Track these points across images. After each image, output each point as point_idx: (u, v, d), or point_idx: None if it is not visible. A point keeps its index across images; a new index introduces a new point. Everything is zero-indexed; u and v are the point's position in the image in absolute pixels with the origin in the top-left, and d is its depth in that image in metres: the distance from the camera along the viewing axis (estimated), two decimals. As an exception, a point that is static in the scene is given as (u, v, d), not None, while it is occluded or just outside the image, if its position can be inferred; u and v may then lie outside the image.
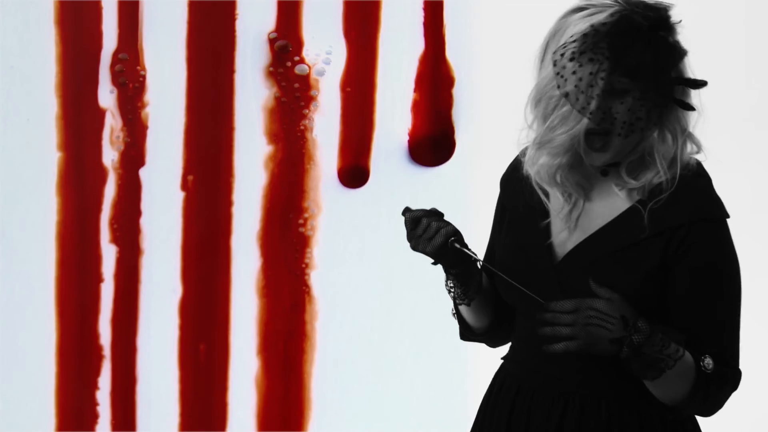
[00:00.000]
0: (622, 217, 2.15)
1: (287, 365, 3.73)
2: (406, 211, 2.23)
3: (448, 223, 2.19)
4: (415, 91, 3.63)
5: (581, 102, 2.02)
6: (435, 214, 2.20)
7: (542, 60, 2.11)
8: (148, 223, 3.69)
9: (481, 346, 2.51)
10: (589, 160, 2.11)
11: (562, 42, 2.06)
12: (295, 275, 3.70)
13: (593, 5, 2.06)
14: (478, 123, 3.62)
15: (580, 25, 2.05)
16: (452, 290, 2.32)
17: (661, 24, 2.05)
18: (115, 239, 3.69)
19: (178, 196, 3.69)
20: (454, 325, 2.41)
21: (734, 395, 2.15)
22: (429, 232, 2.19)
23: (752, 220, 2.17)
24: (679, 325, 2.12)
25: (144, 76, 3.63)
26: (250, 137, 3.65)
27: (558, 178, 2.17)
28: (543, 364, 2.21)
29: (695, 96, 2.12)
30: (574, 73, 2.02)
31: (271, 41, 3.61)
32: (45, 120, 3.64)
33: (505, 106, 3.47)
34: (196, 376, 3.73)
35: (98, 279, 3.71)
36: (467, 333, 2.42)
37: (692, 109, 2.09)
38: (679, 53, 2.06)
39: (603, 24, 2.02)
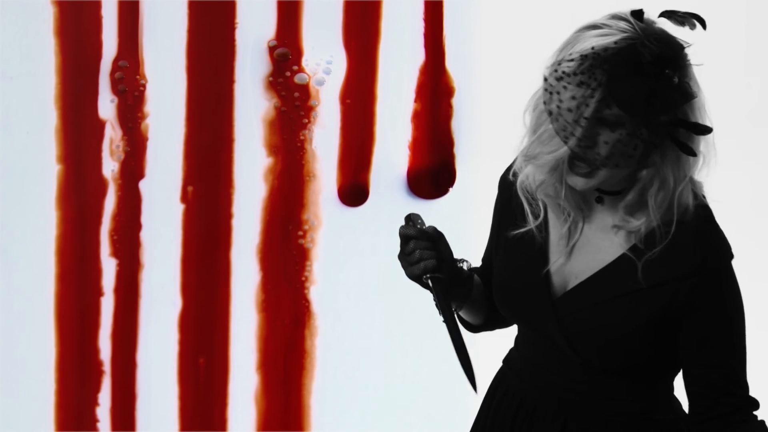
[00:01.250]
0: (616, 263, 2.11)
1: (287, 381, 3.71)
2: (407, 220, 2.18)
3: (433, 254, 2.13)
4: (415, 101, 3.62)
5: (563, 125, 1.94)
6: (426, 239, 2.13)
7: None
8: (148, 235, 3.68)
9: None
10: (572, 182, 2.05)
11: (560, 57, 1.98)
12: (295, 288, 3.69)
13: (608, 26, 1.98)
14: (478, 134, 3.63)
15: (585, 43, 1.97)
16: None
17: (668, 61, 1.95)
18: (115, 252, 3.68)
19: (178, 209, 3.67)
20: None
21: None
22: (411, 258, 2.14)
23: (752, 219, 2.16)
24: (696, 367, 2.11)
25: (144, 86, 3.63)
26: (250, 149, 3.65)
27: (548, 191, 2.11)
28: (545, 379, 2.20)
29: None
30: (559, 93, 1.94)
31: (271, 49, 3.61)
32: (44, 132, 3.63)
33: (505, 117, 3.47)
34: (196, 391, 3.71)
35: (98, 293, 3.69)
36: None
37: (693, 154, 2.00)
38: (684, 95, 1.98)
39: (605, 49, 1.94)
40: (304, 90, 3.63)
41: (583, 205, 2.14)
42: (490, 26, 3.59)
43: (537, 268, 2.17)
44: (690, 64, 2.00)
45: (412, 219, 2.18)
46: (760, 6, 3.36)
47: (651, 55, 1.94)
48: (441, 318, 2.20)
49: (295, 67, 3.62)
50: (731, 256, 2.09)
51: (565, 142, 1.95)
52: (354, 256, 3.69)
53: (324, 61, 3.62)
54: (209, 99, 3.63)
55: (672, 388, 2.23)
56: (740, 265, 2.18)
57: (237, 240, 3.68)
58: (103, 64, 3.62)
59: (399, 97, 3.61)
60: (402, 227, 2.15)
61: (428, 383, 3.70)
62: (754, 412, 2.12)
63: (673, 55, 1.97)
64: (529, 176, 2.12)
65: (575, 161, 2.01)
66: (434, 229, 2.16)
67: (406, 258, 2.15)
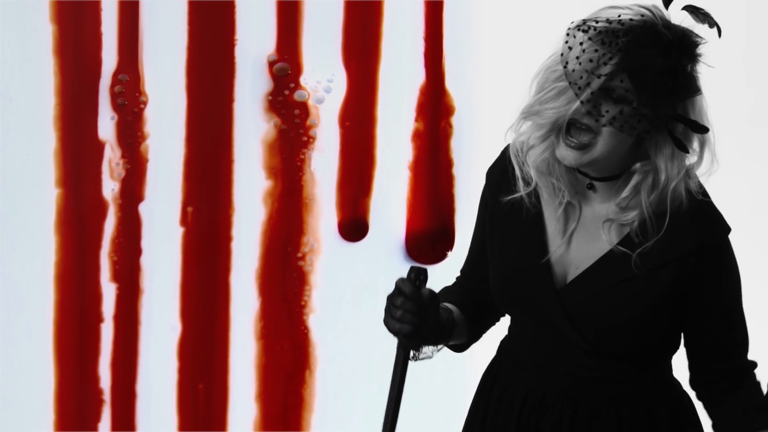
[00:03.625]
0: (612, 252, 2.13)
1: (286, 412, 3.69)
2: (410, 274, 2.12)
3: (414, 320, 2.10)
4: (416, 120, 3.63)
5: (579, 75, 1.99)
6: (416, 302, 2.10)
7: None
8: (147, 260, 3.67)
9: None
10: (562, 155, 2.07)
11: (588, 18, 2.05)
12: (294, 313, 3.67)
13: (629, 8, 2.06)
14: (477, 152, 3.62)
15: (612, 12, 2.04)
16: None
17: (683, 47, 2.03)
18: (115, 276, 3.66)
19: (178, 232, 3.66)
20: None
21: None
22: (393, 312, 2.12)
23: (751, 220, 2.17)
24: (702, 341, 2.15)
25: (144, 103, 3.62)
26: (250, 171, 3.65)
27: (540, 166, 2.13)
28: (551, 367, 2.21)
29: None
30: (583, 51, 2.00)
31: (271, 64, 3.62)
32: (44, 154, 3.62)
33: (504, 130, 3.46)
34: (196, 420, 3.69)
35: (98, 319, 3.67)
36: None
37: (686, 150, 2.06)
38: (692, 86, 2.04)
39: (630, 20, 2.02)
40: (304, 108, 3.63)
41: (578, 191, 2.16)
42: (490, 46, 3.60)
43: (537, 257, 2.18)
44: (700, 61, 2.06)
45: (413, 274, 2.12)
46: (760, 6, 3.38)
47: (672, 35, 2.02)
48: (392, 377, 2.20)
49: (292, 85, 3.63)
50: (728, 230, 2.13)
51: (577, 95, 1.99)
52: (353, 280, 3.68)
53: (325, 79, 3.62)
54: (209, 119, 3.63)
55: (672, 368, 2.25)
56: (740, 266, 2.18)
57: (236, 264, 3.67)
58: (103, 79, 3.61)
59: (399, 118, 3.61)
60: (399, 280, 2.12)
61: (430, 416, 3.66)
62: (754, 371, 2.17)
63: (691, 44, 2.04)
64: (523, 137, 2.14)
65: (573, 131, 2.05)
66: (430, 293, 2.14)
67: (389, 308, 2.13)
